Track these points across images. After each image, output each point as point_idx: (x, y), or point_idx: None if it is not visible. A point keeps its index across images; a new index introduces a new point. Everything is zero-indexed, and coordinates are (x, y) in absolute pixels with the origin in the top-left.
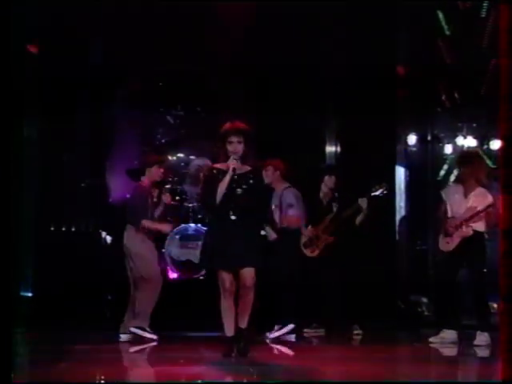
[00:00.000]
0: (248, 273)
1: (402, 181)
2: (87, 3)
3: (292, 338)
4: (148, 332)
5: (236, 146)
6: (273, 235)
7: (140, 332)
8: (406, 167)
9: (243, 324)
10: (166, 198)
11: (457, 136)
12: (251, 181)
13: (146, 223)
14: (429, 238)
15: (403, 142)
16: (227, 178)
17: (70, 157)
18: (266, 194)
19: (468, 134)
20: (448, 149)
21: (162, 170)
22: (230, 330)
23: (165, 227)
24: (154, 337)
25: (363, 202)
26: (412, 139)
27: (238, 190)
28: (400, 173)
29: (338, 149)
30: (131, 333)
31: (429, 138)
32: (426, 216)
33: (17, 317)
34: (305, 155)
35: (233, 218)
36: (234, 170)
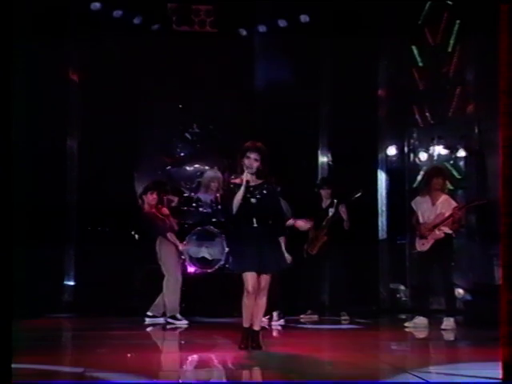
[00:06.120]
0: (265, 276)
1: (384, 188)
2: None
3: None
4: (179, 319)
5: (252, 161)
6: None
7: (172, 321)
8: (387, 176)
9: (257, 326)
10: (166, 208)
11: (428, 149)
12: (264, 191)
13: (170, 237)
14: (406, 234)
15: (384, 153)
16: (241, 190)
17: (108, 165)
18: (278, 204)
19: (438, 147)
20: (422, 159)
21: (154, 196)
22: (247, 322)
23: (180, 246)
24: (185, 322)
25: (342, 208)
26: (391, 151)
27: (252, 199)
28: (382, 181)
29: (330, 158)
30: (168, 323)
31: (405, 150)
32: (404, 216)
33: (60, 303)
34: (301, 164)
35: (255, 225)
36: (247, 182)
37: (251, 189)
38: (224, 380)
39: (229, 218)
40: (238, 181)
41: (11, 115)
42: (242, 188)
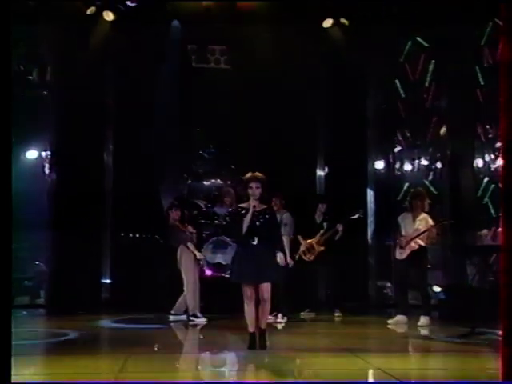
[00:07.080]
0: (265, 287)
1: (372, 200)
2: None
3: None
4: (198, 317)
5: (254, 190)
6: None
7: (193, 318)
8: (375, 190)
9: (263, 326)
10: (186, 227)
11: (410, 165)
12: (267, 216)
13: (190, 247)
14: (391, 238)
15: (372, 170)
16: (249, 214)
17: (138, 178)
18: (277, 225)
19: (417, 165)
20: (404, 176)
21: (178, 212)
22: (251, 327)
23: (198, 254)
24: (204, 319)
25: (340, 227)
26: (379, 168)
27: (257, 222)
28: (370, 194)
29: (326, 172)
30: (190, 320)
31: (391, 168)
32: (390, 222)
33: (97, 299)
34: (301, 181)
35: (254, 243)
36: (254, 207)
37: (256, 213)
38: (227, 379)
39: (235, 236)
40: (244, 205)
41: (10, 118)
42: (250, 213)
